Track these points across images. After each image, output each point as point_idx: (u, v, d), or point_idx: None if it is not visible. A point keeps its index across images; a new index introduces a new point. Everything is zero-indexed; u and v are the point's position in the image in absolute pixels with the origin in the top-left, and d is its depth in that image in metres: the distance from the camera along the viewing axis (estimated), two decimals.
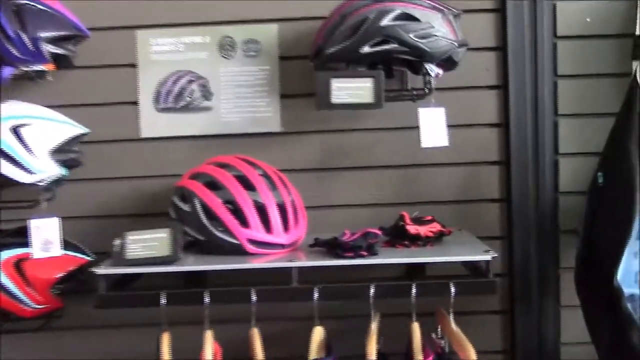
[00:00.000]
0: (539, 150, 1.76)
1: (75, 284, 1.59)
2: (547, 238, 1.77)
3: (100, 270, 1.37)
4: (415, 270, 1.72)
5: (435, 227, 1.54)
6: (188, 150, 1.76)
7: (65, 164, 1.60)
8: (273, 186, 1.51)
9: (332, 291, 1.37)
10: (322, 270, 1.39)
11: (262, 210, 1.46)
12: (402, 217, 1.56)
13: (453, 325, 1.36)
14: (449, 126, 1.72)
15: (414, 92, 1.64)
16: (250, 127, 1.77)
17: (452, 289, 1.34)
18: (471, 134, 1.77)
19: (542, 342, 1.78)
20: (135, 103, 1.77)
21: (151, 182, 1.76)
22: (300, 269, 1.38)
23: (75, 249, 1.61)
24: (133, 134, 1.77)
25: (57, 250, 1.55)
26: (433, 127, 1.58)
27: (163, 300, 1.35)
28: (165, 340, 1.36)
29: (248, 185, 1.48)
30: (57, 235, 1.56)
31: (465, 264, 1.44)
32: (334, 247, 1.41)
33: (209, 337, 1.36)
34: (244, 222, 1.45)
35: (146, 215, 1.75)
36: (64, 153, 1.58)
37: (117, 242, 1.39)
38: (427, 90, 1.61)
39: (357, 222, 1.72)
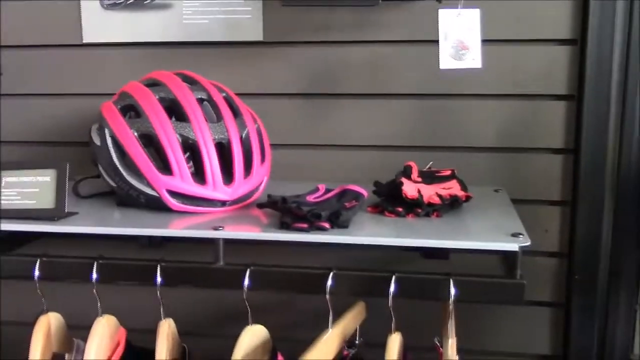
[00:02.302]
0: (629, 79, 1.20)
1: None
2: (629, 207, 1.23)
3: None
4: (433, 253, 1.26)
5: (450, 187, 1.05)
6: (141, 62, 1.34)
7: None
8: (217, 116, 1.06)
9: (272, 278, 0.93)
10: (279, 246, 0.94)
11: (193, 151, 1.03)
12: (406, 170, 1.07)
13: (449, 340, 0.90)
14: (497, 41, 1.21)
15: None
16: (221, 34, 1.31)
17: (452, 290, 0.86)
18: (529, 53, 1.24)
19: (606, 351, 1.28)
20: None
21: (95, 101, 1.34)
22: (233, 242, 0.93)
23: None
24: (73, 38, 1.35)
25: None
26: (459, 38, 1.06)
27: (37, 272, 0.95)
28: (43, 324, 0.98)
29: (178, 114, 1.04)
30: None
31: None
32: (284, 211, 0.96)
33: (100, 325, 0.97)
34: (164, 166, 1.02)
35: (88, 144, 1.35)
36: None
37: None
38: None
39: (357, 171, 1.28)
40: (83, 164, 1.14)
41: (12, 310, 1.44)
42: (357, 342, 1.03)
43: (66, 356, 1.05)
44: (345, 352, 1.01)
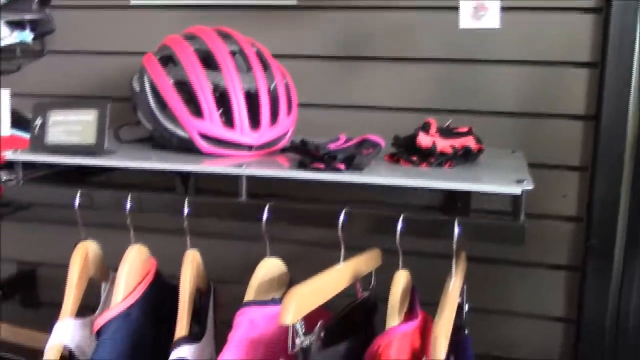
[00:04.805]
0: None
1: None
2: None
3: (11, 155, 1.10)
4: (456, 200, 1.31)
5: (465, 142, 1.10)
6: (182, 23, 1.39)
7: (27, 27, 1.33)
8: (247, 67, 1.14)
9: (289, 213, 1.00)
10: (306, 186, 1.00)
11: (224, 98, 1.10)
12: (424, 125, 1.12)
13: (451, 280, 0.94)
14: (521, 9, 1.26)
15: None
16: None
17: (456, 230, 0.91)
18: (553, 21, 1.27)
19: (620, 315, 1.30)
20: None
21: (138, 59, 1.44)
22: (258, 180, 1.00)
23: None
24: (120, 0, 1.45)
25: (4, 128, 1.30)
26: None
27: (77, 201, 1.05)
28: (82, 250, 1.07)
29: (211, 64, 1.12)
30: (7, 111, 1.30)
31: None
32: (303, 153, 1.02)
33: (133, 251, 1.06)
34: (196, 111, 1.10)
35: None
36: (17, 12, 1.30)
37: (37, 121, 1.10)
38: None
39: (381, 131, 1.32)
40: (126, 117, 1.23)
41: (47, 251, 1.56)
42: (371, 286, 1.09)
43: (102, 285, 1.14)
44: (360, 294, 1.07)
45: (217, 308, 1.09)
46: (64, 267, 1.07)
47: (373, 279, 1.09)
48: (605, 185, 1.28)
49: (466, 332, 1.05)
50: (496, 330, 1.37)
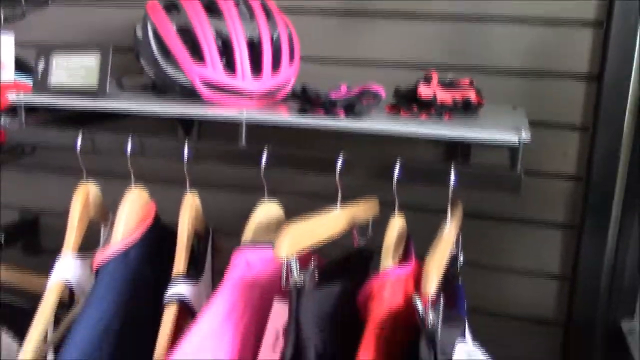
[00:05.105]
0: None
1: None
2: None
3: (14, 97, 1.10)
4: (455, 156, 1.32)
5: (465, 94, 1.10)
6: None
7: None
8: (250, 16, 1.13)
9: (289, 159, 1.00)
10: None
11: (226, 45, 1.10)
12: (427, 77, 1.12)
13: (445, 229, 0.95)
14: None
15: None
16: None
17: (452, 176, 0.92)
18: None
19: (616, 272, 1.32)
20: None
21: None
22: (258, 130, 1.01)
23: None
24: None
25: (8, 74, 1.31)
26: None
27: (78, 142, 1.06)
28: (83, 191, 1.08)
29: (214, 11, 1.12)
30: (10, 56, 1.31)
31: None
32: (304, 100, 1.03)
33: (133, 193, 1.07)
34: (198, 57, 1.10)
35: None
36: None
37: (41, 64, 1.11)
38: None
39: (386, 85, 1.33)
40: (130, 68, 1.24)
41: (49, 199, 1.58)
42: (368, 235, 1.10)
43: (101, 229, 1.15)
44: (357, 243, 1.09)
45: (215, 252, 1.10)
46: (65, 214, 1.08)
47: (370, 228, 1.10)
48: (606, 144, 1.28)
49: (460, 281, 1.07)
50: (491, 286, 1.39)
